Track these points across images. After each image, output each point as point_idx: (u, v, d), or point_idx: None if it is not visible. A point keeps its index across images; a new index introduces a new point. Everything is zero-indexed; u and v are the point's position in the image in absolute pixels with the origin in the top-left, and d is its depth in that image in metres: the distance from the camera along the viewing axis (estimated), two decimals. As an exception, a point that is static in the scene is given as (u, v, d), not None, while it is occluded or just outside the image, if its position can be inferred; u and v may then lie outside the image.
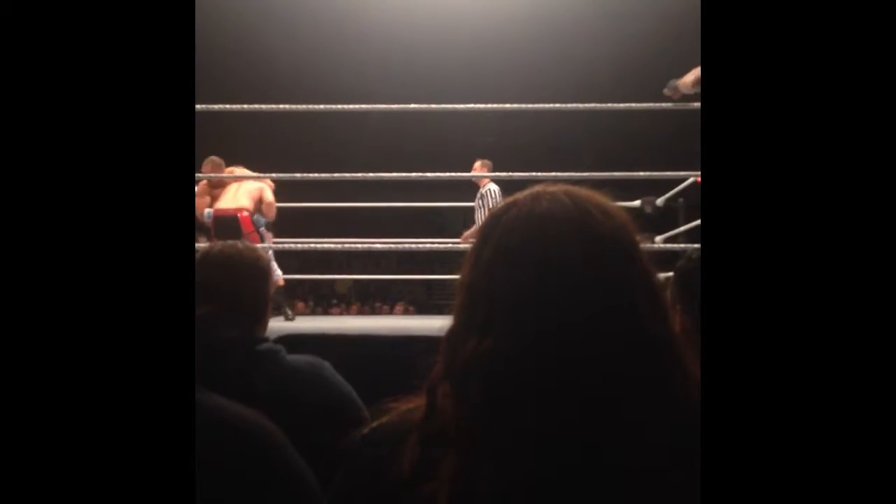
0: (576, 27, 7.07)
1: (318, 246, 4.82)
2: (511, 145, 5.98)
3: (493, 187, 5.45)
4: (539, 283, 0.65)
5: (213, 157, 4.85)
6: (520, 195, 0.72)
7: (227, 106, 3.79)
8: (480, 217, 5.41)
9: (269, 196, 4.82)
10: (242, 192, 4.82)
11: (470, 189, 5.68)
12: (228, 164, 4.96)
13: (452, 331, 0.69)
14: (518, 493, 0.61)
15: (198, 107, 4.04)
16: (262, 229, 4.84)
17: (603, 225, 0.67)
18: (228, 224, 4.66)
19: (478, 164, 5.49)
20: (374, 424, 0.73)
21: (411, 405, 0.71)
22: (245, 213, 4.70)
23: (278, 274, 4.90)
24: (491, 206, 5.34)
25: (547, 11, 7.02)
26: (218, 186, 4.95)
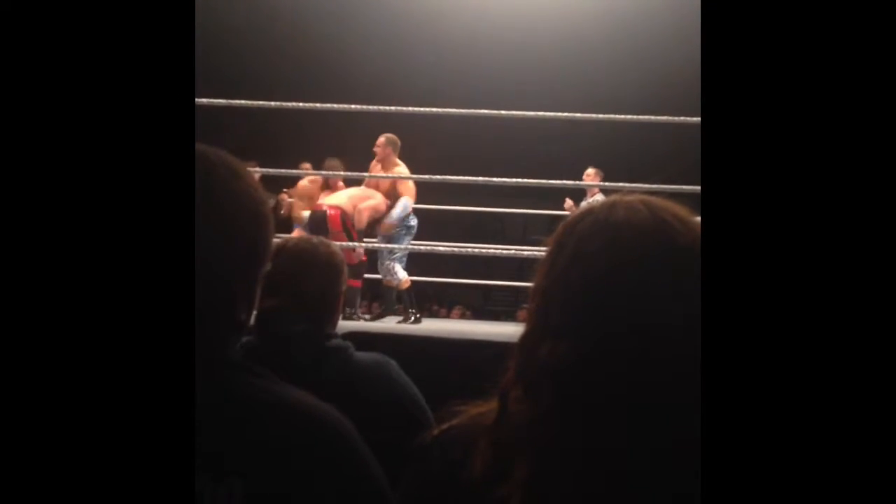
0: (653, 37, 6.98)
1: (384, 246, 4.88)
2: (577, 155, 5.90)
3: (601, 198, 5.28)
4: (613, 288, 0.65)
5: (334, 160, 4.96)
6: (595, 204, 0.72)
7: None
8: None
9: (367, 203, 4.86)
10: (345, 194, 4.93)
11: (528, 196, 5.62)
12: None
13: (525, 336, 0.69)
14: (591, 498, 0.61)
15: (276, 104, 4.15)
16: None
17: (680, 234, 0.66)
18: (319, 220, 4.77)
19: (591, 171, 5.31)
20: (445, 426, 0.73)
21: (481, 409, 0.71)
22: (333, 212, 4.76)
23: (402, 275, 4.94)
24: None
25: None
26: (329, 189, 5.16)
